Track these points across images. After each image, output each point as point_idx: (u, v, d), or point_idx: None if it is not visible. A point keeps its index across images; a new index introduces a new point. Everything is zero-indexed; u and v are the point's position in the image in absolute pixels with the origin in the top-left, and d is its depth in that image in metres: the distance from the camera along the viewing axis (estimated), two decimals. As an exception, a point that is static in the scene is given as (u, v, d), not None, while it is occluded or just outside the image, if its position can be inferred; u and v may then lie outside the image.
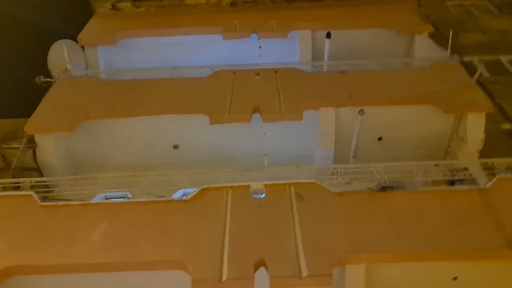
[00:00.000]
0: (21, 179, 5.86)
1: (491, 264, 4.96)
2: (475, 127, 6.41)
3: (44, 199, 5.59)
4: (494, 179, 5.37)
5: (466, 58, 7.52)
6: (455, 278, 5.08)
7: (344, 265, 4.80)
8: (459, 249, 4.71)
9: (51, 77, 7.56)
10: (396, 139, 6.89)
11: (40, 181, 5.90)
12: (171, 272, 4.84)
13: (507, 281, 5.05)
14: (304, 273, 4.54)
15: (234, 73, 7.42)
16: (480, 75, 6.84)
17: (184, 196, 5.59)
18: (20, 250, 4.88)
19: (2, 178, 5.95)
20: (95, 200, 5.66)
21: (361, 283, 4.85)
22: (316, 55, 8.48)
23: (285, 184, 5.57)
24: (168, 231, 5.06)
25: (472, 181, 5.65)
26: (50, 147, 6.55)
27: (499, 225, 4.86)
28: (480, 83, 6.87)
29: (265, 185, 5.52)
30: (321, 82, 7.18)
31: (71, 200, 5.55)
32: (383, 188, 5.34)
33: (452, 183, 5.88)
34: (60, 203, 5.46)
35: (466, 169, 5.86)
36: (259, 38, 8.48)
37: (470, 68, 7.24)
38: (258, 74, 7.36)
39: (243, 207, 5.30)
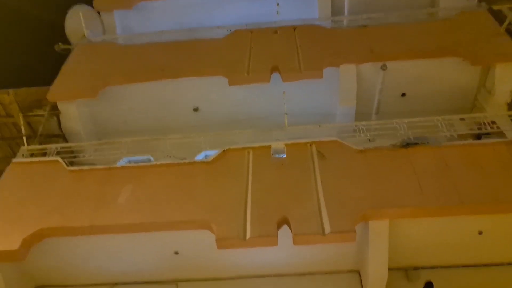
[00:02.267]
0: (48, 146, 6.00)
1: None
2: (504, 78, 6.15)
3: (71, 164, 5.74)
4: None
5: (495, 6, 7.11)
6: (480, 233, 5.05)
7: (367, 221, 4.80)
8: (485, 202, 4.65)
9: (69, 43, 7.58)
10: (420, 94, 6.70)
11: (65, 147, 6.04)
12: (196, 232, 4.97)
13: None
14: (327, 230, 4.57)
15: (251, 32, 7.29)
16: (510, 23, 6.49)
17: (206, 158, 5.63)
18: (52, 213, 5.06)
19: (29, 145, 6.10)
20: (119, 164, 5.77)
21: (385, 238, 4.85)
22: (336, 10, 8.16)
23: (306, 143, 5.54)
24: (192, 192, 5.15)
25: (500, 134, 5.48)
26: (73, 114, 6.65)
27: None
28: (510, 32, 6.53)
29: (286, 145, 5.52)
30: (342, 38, 6.96)
31: (96, 164, 5.68)
32: (407, 145, 5.24)
33: (478, 137, 5.72)
34: (86, 167, 5.60)
35: (493, 122, 5.68)
36: None
37: (499, 17, 6.87)
38: (276, 32, 7.20)
39: (264, 167, 5.32)
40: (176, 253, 5.31)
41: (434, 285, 4.88)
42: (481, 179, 4.81)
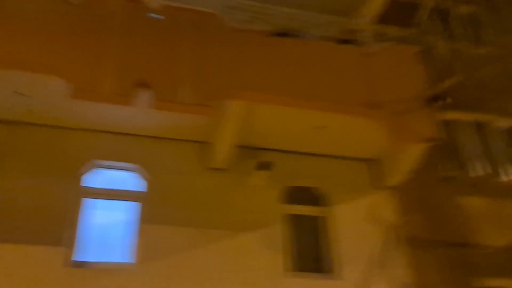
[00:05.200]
0: None
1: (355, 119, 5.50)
2: None
3: None
4: (382, 46, 5.66)
5: None
6: (322, 127, 5.61)
7: (226, 99, 5.02)
8: (330, 102, 5.15)
9: None
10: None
11: None
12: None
13: (363, 132, 5.65)
14: (188, 100, 4.71)
15: None
16: None
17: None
18: None
19: None
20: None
21: (239, 117, 5.17)
22: None
23: (186, 9, 5.31)
24: (52, 36, 4.69)
25: (362, 43, 5.88)
26: None
27: (370, 87, 5.33)
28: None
29: (165, 6, 5.19)
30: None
31: None
32: (279, 34, 5.36)
33: (345, 42, 6.06)
34: None
35: (363, 31, 6.02)
36: None
37: None
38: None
39: (137, 23, 5.05)
40: (23, 94, 4.93)
41: (271, 164, 5.43)
42: (332, 79, 5.26)
